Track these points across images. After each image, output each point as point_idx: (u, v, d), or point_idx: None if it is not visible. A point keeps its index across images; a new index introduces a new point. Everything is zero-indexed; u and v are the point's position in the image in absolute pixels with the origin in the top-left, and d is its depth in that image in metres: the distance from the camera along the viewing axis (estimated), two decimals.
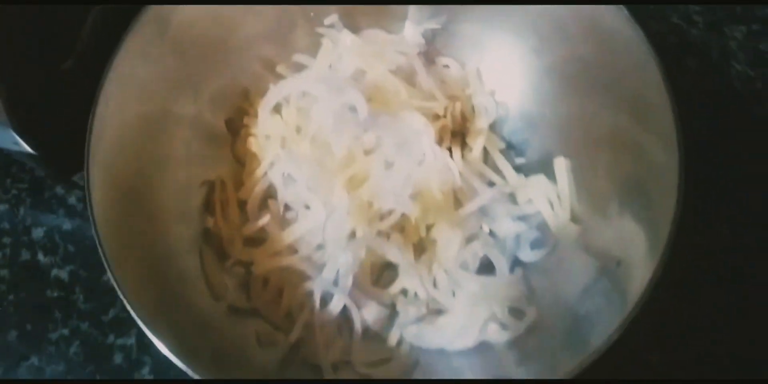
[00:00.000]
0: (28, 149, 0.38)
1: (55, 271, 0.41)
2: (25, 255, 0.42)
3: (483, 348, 0.33)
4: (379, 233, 0.35)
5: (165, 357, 0.38)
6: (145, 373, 0.38)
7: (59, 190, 0.44)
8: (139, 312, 0.28)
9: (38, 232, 0.43)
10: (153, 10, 0.35)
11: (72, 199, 0.43)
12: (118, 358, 0.38)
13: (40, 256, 0.42)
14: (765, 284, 0.34)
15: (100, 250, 0.30)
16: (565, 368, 0.27)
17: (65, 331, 0.39)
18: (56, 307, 0.40)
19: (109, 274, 0.30)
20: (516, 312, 0.33)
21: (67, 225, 0.43)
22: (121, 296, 0.29)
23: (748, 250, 0.38)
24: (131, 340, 0.39)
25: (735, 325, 0.36)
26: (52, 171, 0.43)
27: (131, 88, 0.35)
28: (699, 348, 0.35)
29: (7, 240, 0.42)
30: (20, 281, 0.41)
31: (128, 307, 0.29)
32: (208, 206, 0.38)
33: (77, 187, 0.44)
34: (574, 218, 0.35)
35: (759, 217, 0.39)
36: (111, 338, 0.39)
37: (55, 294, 0.41)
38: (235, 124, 0.40)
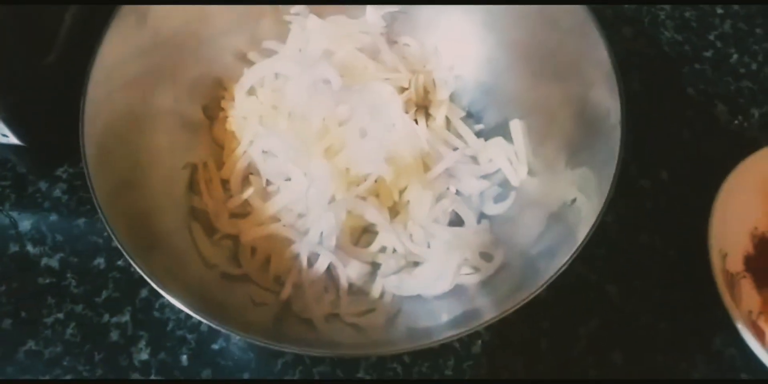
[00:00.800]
0: (16, 141, 0.40)
1: (45, 260, 0.43)
2: (14, 247, 0.43)
3: (457, 290, 0.36)
4: (357, 197, 0.38)
5: (160, 330, 0.40)
6: (142, 346, 0.40)
7: (42, 184, 0.45)
8: (149, 274, 0.30)
9: (25, 225, 0.44)
10: (130, 6, 0.37)
11: (57, 192, 0.45)
12: (114, 335, 0.40)
13: (29, 247, 0.43)
14: (698, 214, 0.38)
15: (106, 226, 0.32)
16: (524, 295, 0.30)
17: (60, 315, 0.41)
18: (49, 294, 0.42)
19: (119, 246, 0.31)
20: (485, 256, 0.37)
21: (53, 216, 0.44)
22: (131, 261, 0.31)
23: (684, 187, 0.42)
24: (126, 317, 0.40)
25: (674, 251, 0.40)
26: (36, 165, 0.45)
27: (115, 79, 0.37)
28: (650, 276, 0.39)
29: None
30: (11, 272, 0.42)
31: (140, 271, 0.31)
32: (192, 186, 0.41)
33: (61, 181, 0.45)
34: (531, 172, 0.39)
35: (692, 158, 0.43)
36: (106, 317, 0.41)
37: (47, 281, 0.42)
38: (212, 110, 0.43)
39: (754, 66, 0.46)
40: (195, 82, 0.42)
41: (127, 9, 0.37)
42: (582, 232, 0.31)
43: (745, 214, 0.38)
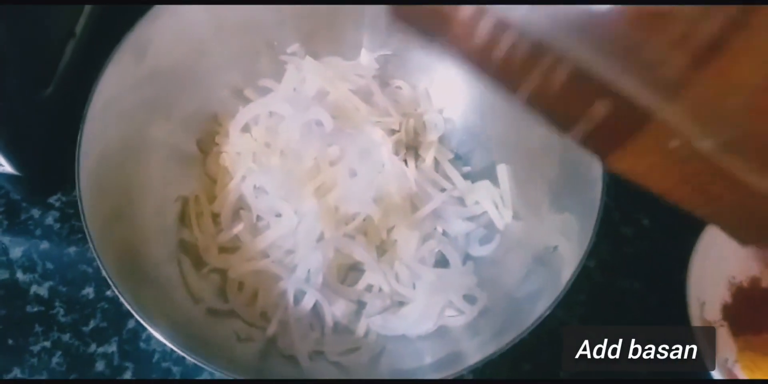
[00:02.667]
0: (11, 170, 0.41)
1: (34, 288, 0.43)
2: (3, 274, 0.44)
3: (441, 331, 0.37)
4: (346, 235, 0.38)
5: (146, 362, 0.40)
6: (128, 377, 0.40)
7: (35, 212, 0.46)
8: (136, 309, 0.31)
9: (16, 253, 0.44)
10: (131, 40, 0.38)
11: (49, 220, 0.46)
12: (100, 366, 0.40)
13: (19, 274, 0.44)
14: (678, 261, 0.39)
15: (96, 256, 0.33)
16: (508, 338, 0.31)
17: (47, 344, 0.41)
18: (37, 322, 0.42)
19: (107, 277, 0.32)
20: (469, 298, 0.37)
21: (44, 244, 0.45)
22: (119, 295, 0.31)
23: (663, 234, 0.43)
24: (112, 348, 0.41)
25: (654, 297, 0.41)
26: (30, 192, 0.46)
27: (112, 112, 0.38)
28: (630, 321, 0.40)
29: None
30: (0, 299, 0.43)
31: (127, 305, 0.31)
32: (183, 219, 0.41)
33: (54, 209, 0.46)
34: (516, 216, 0.40)
35: (673, 206, 0.44)
36: (93, 347, 0.41)
37: (35, 309, 0.42)
38: (206, 144, 0.44)
39: None
40: (190, 117, 0.43)
41: (127, 44, 0.38)
42: (564, 277, 0.32)
43: (723, 264, 0.39)
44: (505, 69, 0.17)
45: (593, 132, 0.17)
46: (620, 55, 0.15)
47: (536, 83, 0.17)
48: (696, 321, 0.36)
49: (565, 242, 0.35)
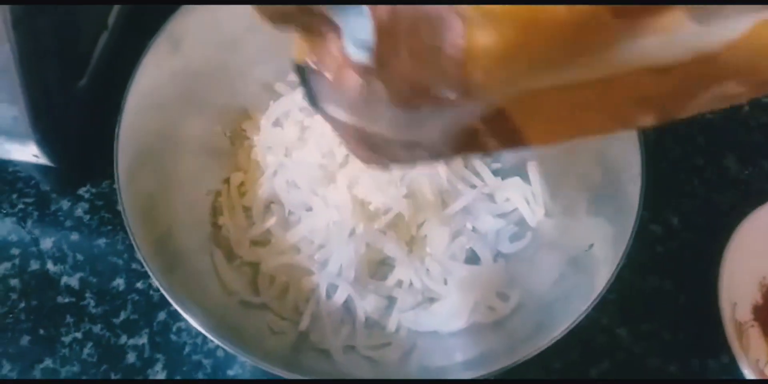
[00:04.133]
0: (46, 162, 0.41)
1: (65, 279, 0.43)
2: (35, 264, 0.44)
3: (472, 328, 0.37)
4: (377, 230, 0.38)
5: (177, 354, 0.41)
6: (158, 369, 0.40)
7: (65, 203, 0.46)
8: (171, 295, 0.31)
9: (47, 243, 0.45)
10: (166, 33, 0.38)
11: (78, 212, 0.46)
12: (131, 357, 0.41)
13: (50, 265, 0.44)
14: (708, 261, 0.39)
15: (136, 248, 0.33)
16: (542, 341, 0.31)
17: (78, 335, 0.42)
18: (68, 312, 0.42)
19: (144, 265, 0.32)
20: (502, 295, 0.37)
21: (74, 235, 0.45)
22: (154, 278, 0.32)
23: (694, 234, 0.43)
24: (143, 340, 0.41)
25: (685, 297, 0.41)
26: (60, 183, 0.46)
27: (148, 104, 0.38)
28: (660, 320, 0.40)
29: (16, 251, 0.44)
30: (31, 290, 0.43)
31: (162, 290, 0.32)
32: (215, 213, 0.42)
33: (83, 200, 0.46)
34: (548, 214, 0.40)
35: (702, 206, 0.44)
36: (123, 339, 0.41)
37: (66, 300, 0.43)
38: (238, 138, 0.44)
39: (764, 119, 0.47)
40: (222, 111, 0.43)
41: (162, 37, 0.38)
42: (600, 281, 0.32)
43: (754, 265, 0.39)
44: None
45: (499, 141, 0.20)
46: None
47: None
48: (728, 321, 0.36)
49: (599, 244, 0.35)
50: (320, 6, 0.18)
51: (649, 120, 0.20)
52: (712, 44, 0.16)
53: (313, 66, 0.20)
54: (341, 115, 0.20)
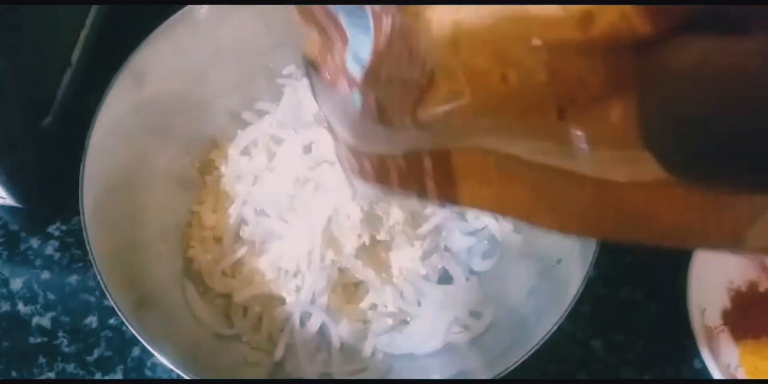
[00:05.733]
0: (12, 203, 0.41)
1: (36, 319, 0.43)
2: (5, 306, 0.43)
3: (448, 348, 0.37)
4: (348, 255, 0.39)
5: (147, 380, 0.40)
6: None
7: (35, 242, 0.46)
8: (143, 335, 0.31)
9: (16, 284, 0.44)
10: (129, 68, 0.39)
11: (49, 250, 0.45)
12: None
13: (21, 306, 0.43)
14: (676, 269, 0.40)
15: (103, 286, 0.33)
16: (517, 355, 0.31)
17: (51, 375, 0.41)
18: (40, 353, 0.42)
19: (112, 303, 0.32)
20: (475, 314, 0.38)
21: (45, 274, 0.44)
22: (124, 319, 0.31)
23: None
24: (118, 376, 0.41)
25: (655, 306, 0.41)
26: (29, 223, 0.46)
27: (113, 139, 0.38)
28: (632, 330, 0.41)
29: None
30: (2, 331, 0.42)
31: (132, 330, 0.31)
32: (186, 245, 0.41)
33: (53, 238, 0.46)
34: (517, 229, 0.40)
35: None
36: (98, 376, 0.41)
37: (39, 340, 0.42)
38: (207, 169, 0.44)
39: None
40: (190, 142, 0.44)
41: (126, 71, 0.39)
42: (569, 292, 0.33)
43: (721, 270, 0.39)
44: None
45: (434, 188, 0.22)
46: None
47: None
48: (698, 327, 0.37)
49: (567, 257, 0.35)
50: (339, 17, 0.21)
51: (575, 231, 0.21)
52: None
53: (317, 63, 0.23)
54: (328, 112, 0.23)
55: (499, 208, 0.22)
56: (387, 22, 0.18)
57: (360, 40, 0.20)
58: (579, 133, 0.17)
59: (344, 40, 0.21)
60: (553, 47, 0.16)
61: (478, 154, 0.20)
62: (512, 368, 0.31)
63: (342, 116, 0.22)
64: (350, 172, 0.24)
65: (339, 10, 0.21)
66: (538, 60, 0.16)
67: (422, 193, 0.22)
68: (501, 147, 0.19)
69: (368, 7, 0.19)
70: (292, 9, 0.23)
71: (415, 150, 0.21)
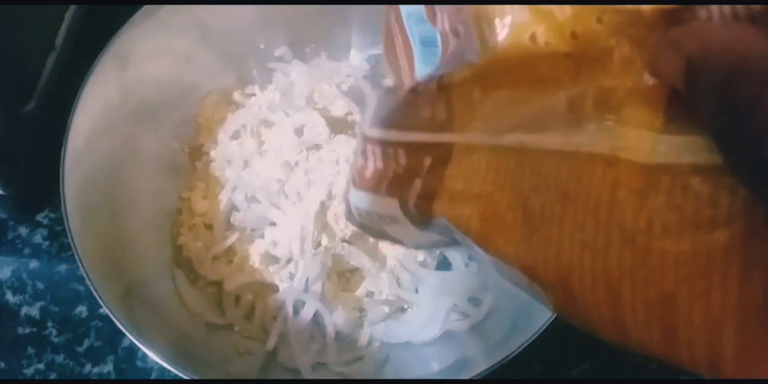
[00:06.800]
0: None
1: (25, 309, 0.42)
2: None
3: (447, 336, 0.36)
4: (343, 241, 0.37)
5: (144, 380, 0.39)
6: None
7: (23, 230, 0.45)
8: (129, 328, 0.30)
9: (5, 273, 0.43)
10: (112, 50, 0.37)
11: (37, 238, 0.44)
12: None
13: (9, 296, 0.42)
14: None
15: (86, 277, 0.32)
16: (517, 342, 0.30)
17: (40, 366, 0.40)
18: (29, 344, 0.41)
19: (96, 294, 0.31)
20: (474, 301, 0.36)
21: (33, 263, 0.43)
22: (111, 316, 0.30)
23: None
24: (108, 367, 0.40)
25: None
26: (16, 211, 0.44)
27: (97, 124, 0.37)
28: None
29: None
30: None
31: (119, 326, 0.30)
32: (176, 232, 0.40)
33: (42, 226, 0.45)
34: None
35: None
36: (88, 368, 0.40)
37: (27, 331, 0.41)
38: (196, 154, 0.43)
39: None
40: (178, 126, 0.42)
41: (108, 54, 0.37)
42: None
43: None
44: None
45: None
46: None
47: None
48: None
49: None
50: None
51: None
52: None
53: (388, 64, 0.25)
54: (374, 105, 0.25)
55: (467, 227, 0.21)
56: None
57: (425, 63, 0.23)
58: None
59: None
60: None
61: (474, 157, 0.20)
62: (513, 356, 0.30)
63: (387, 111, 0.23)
64: (352, 172, 0.25)
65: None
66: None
67: (403, 200, 0.23)
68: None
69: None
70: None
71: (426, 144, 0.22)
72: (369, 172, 0.23)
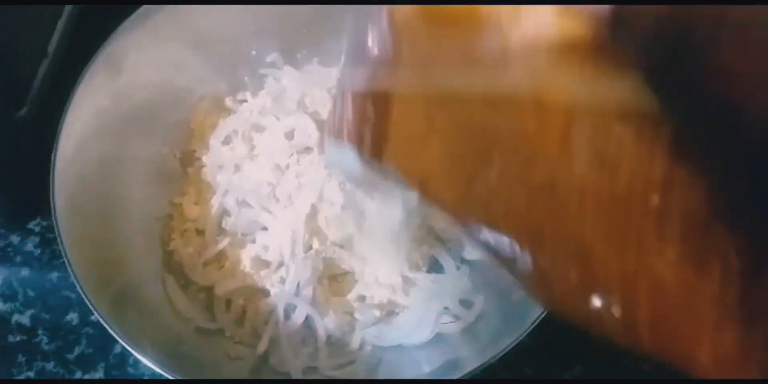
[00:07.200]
0: None
1: (16, 317, 0.42)
2: None
3: (438, 339, 0.35)
4: (334, 245, 0.37)
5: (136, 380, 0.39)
6: None
7: (14, 238, 0.44)
8: (120, 334, 0.30)
9: None
10: (104, 56, 0.37)
11: (29, 246, 0.44)
12: None
13: (0, 304, 0.42)
14: None
15: (76, 283, 0.32)
16: (506, 342, 0.30)
17: (30, 374, 0.40)
18: (20, 351, 0.40)
19: (86, 300, 0.31)
20: (465, 303, 0.36)
21: (25, 271, 0.43)
22: (102, 321, 0.30)
23: None
24: (99, 374, 0.39)
25: None
26: (8, 218, 0.44)
27: (88, 130, 0.37)
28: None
29: None
30: None
31: (111, 332, 0.30)
32: (167, 238, 0.40)
33: (33, 234, 0.44)
34: None
35: None
36: (78, 375, 0.39)
37: (18, 338, 0.41)
38: (187, 159, 0.43)
39: None
40: (170, 132, 0.42)
41: (100, 60, 0.37)
42: None
43: None
44: None
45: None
46: None
47: None
48: None
49: None
50: None
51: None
52: None
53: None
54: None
55: (410, 174, 0.21)
56: None
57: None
58: None
59: None
60: None
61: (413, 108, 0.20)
62: (503, 356, 0.29)
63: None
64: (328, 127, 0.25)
65: None
66: None
67: (360, 148, 0.23)
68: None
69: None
70: None
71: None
72: (335, 122, 0.24)
